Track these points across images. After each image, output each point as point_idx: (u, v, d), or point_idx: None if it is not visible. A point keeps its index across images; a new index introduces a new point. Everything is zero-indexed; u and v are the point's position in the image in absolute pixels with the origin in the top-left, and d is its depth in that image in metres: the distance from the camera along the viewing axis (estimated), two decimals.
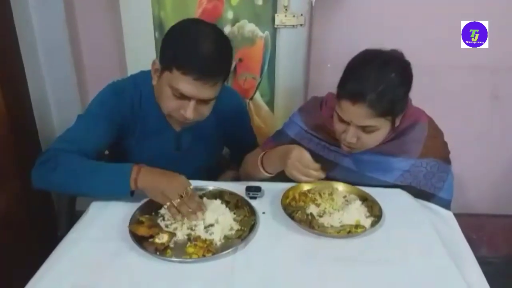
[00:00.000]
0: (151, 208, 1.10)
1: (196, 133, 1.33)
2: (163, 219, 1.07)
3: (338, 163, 1.29)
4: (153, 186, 1.07)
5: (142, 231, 1.00)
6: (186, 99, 1.12)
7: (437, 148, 1.26)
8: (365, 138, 1.16)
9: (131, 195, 1.09)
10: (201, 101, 1.14)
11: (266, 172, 1.26)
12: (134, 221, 1.03)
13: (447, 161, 1.28)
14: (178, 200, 1.04)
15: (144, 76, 1.27)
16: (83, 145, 1.15)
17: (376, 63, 1.10)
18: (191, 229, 1.03)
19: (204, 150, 1.39)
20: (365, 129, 1.14)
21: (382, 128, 1.15)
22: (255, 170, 1.28)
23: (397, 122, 1.19)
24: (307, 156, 1.15)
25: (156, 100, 1.24)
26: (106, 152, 1.34)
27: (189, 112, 1.13)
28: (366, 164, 1.27)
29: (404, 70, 1.13)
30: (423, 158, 1.24)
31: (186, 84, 1.09)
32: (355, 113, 1.10)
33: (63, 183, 1.11)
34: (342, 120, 1.16)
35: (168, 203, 1.05)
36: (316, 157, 1.24)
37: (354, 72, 1.12)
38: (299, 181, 1.18)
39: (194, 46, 1.08)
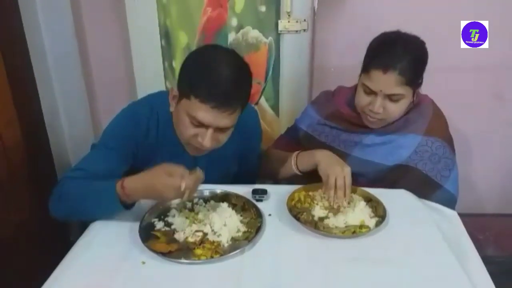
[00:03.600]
0: (160, 211, 1.13)
1: (212, 153, 1.28)
2: (178, 231, 1.06)
3: (348, 154, 1.34)
4: (147, 189, 1.03)
5: (161, 247, 0.99)
6: (203, 127, 1.10)
7: (441, 128, 1.34)
8: (390, 107, 1.24)
9: (129, 209, 1.07)
10: (219, 129, 1.12)
11: (298, 170, 1.31)
12: (150, 237, 1.04)
13: (451, 146, 1.34)
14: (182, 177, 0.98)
15: (161, 98, 1.24)
16: (96, 174, 1.12)
17: (400, 39, 1.23)
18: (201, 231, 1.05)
19: (220, 170, 1.35)
20: (392, 97, 1.22)
21: (406, 98, 1.23)
22: (285, 167, 1.34)
23: (415, 97, 1.28)
24: (350, 179, 1.16)
25: (173, 125, 1.23)
26: None
27: (207, 140, 1.11)
28: (375, 150, 1.32)
29: (423, 46, 1.25)
30: (428, 136, 1.30)
31: (204, 113, 1.07)
32: (386, 81, 1.19)
33: (68, 211, 1.11)
34: (369, 92, 1.24)
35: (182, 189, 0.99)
36: (327, 149, 1.29)
37: (383, 46, 1.23)
38: (329, 186, 1.16)
39: (213, 74, 1.06)
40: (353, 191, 1.22)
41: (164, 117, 1.23)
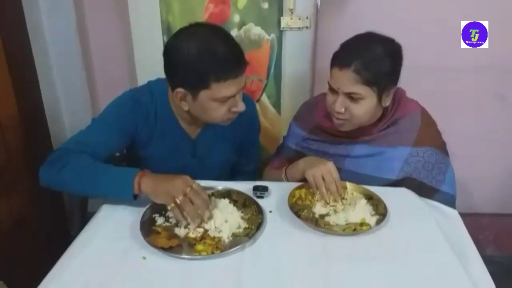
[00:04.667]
0: (162, 207, 1.12)
1: (211, 140, 1.33)
2: (178, 226, 1.06)
3: (339, 168, 1.30)
4: (156, 187, 1.06)
5: (162, 242, 1.00)
6: (231, 97, 1.15)
7: (432, 136, 1.31)
8: (353, 108, 1.20)
9: (134, 199, 1.10)
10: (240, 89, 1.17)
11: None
12: (151, 232, 1.04)
13: (444, 151, 1.32)
14: (181, 197, 1.02)
15: (160, 84, 1.26)
16: (94, 148, 1.15)
17: (366, 38, 1.20)
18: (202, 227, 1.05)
19: (219, 156, 1.38)
20: (351, 96, 1.19)
21: (368, 99, 1.19)
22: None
23: (386, 102, 1.23)
24: (337, 173, 1.18)
25: (173, 111, 1.26)
26: (117, 153, 1.37)
27: (241, 104, 1.17)
28: (365, 162, 1.30)
29: (392, 47, 1.20)
30: (418, 146, 1.28)
31: (230, 88, 1.11)
32: (342, 78, 1.18)
33: (70, 182, 1.11)
34: (332, 91, 1.23)
35: (172, 204, 1.03)
36: None
37: (346, 45, 1.22)
38: (318, 184, 1.17)
39: (219, 53, 1.08)
40: (343, 186, 1.22)
41: (162, 104, 1.25)
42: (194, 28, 1.14)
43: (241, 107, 1.18)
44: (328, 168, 1.16)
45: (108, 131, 1.20)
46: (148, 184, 1.06)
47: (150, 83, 1.31)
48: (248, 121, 1.40)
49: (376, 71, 1.16)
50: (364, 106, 1.20)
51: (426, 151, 1.28)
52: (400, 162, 1.28)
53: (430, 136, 1.31)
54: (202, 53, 1.08)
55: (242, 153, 1.46)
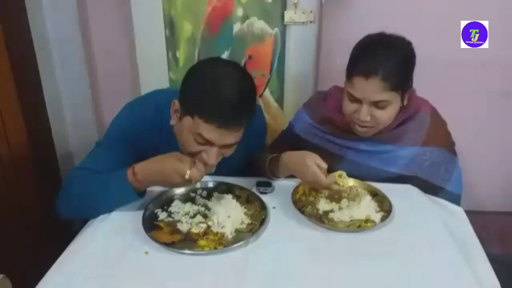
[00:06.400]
0: (164, 201, 1.13)
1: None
2: (181, 222, 1.06)
3: (342, 156, 1.31)
4: (156, 173, 1.03)
5: (164, 237, 0.99)
6: (209, 144, 1.07)
7: (440, 137, 1.30)
8: (378, 114, 1.19)
9: (142, 197, 1.08)
10: (225, 146, 1.09)
11: (274, 176, 1.26)
12: (154, 227, 1.04)
13: (452, 151, 1.31)
14: (192, 166, 1.00)
15: (163, 96, 1.22)
16: (101, 171, 1.12)
17: (383, 42, 1.18)
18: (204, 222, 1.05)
19: (227, 165, 1.30)
20: (378, 104, 1.17)
21: (393, 103, 1.18)
22: (264, 174, 1.29)
23: (405, 101, 1.23)
24: (318, 157, 1.13)
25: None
26: None
27: (212, 158, 1.07)
28: (370, 155, 1.29)
29: (408, 47, 1.19)
30: (426, 146, 1.27)
31: (210, 133, 1.03)
32: (369, 88, 1.14)
33: (79, 210, 1.11)
34: (354, 100, 1.19)
35: (187, 176, 1.00)
36: (321, 151, 1.24)
37: (364, 51, 1.18)
38: (320, 181, 1.12)
39: (216, 93, 1.02)
40: (339, 174, 1.15)
41: (168, 117, 1.19)
42: (223, 64, 1.12)
43: (211, 161, 1.08)
44: (315, 159, 1.11)
45: (115, 157, 1.14)
46: (145, 175, 1.04)
47: (153, 95, 1.28)
48: (256, 129, 1.34)
49: (401, 74, 1.16)
50: (390, 111, 1.20)
51: (433, 151, 1.26)
52: (406, 160, 1.27)
53: (438, 136, 1.29)
54: (204, 84, 1.04)
55: (249, 158, 1.40)
